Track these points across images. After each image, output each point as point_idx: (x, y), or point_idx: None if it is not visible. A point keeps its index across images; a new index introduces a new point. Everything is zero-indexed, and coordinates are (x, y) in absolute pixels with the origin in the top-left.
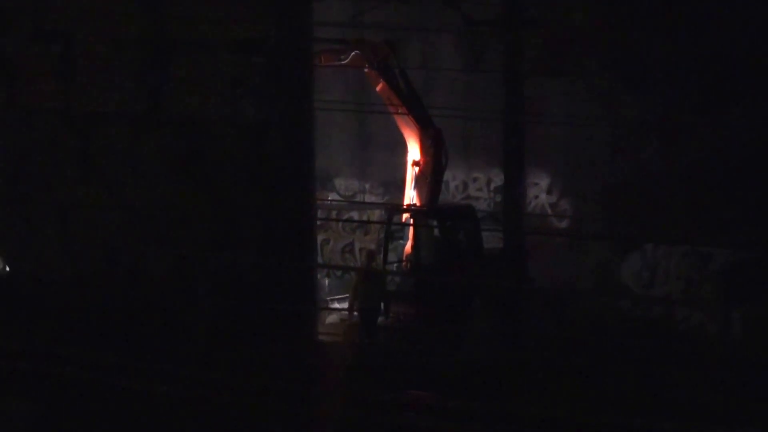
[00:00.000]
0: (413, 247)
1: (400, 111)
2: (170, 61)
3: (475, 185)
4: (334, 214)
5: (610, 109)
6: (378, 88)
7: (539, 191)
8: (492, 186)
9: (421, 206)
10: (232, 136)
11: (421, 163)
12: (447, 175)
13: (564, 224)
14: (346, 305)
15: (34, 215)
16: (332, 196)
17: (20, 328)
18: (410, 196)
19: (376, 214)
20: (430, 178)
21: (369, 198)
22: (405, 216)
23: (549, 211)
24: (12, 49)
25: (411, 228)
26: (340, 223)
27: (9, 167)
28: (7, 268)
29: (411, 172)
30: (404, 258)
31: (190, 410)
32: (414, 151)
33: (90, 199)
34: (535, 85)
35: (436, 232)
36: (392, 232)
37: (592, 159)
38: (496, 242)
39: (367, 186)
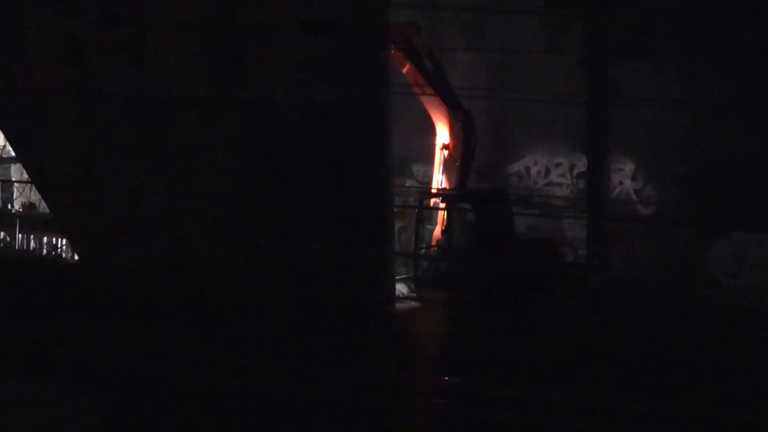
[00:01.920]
0: (443, 231)
1: (427, 92)
2: (242, 44)
3: (558, 171)
4: (411, 201)
5: (696, 92)
6: (404, 70)
7: (623, 177)
8: (575, 172)
9: (450, 190)
10: (306, 120)
11: (450, 146)
12: (528, 161)
13: (649, 211)
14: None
15: (103, 203)
16: (409, 182)
17: (90, 319)
18: (438, 180)
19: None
20: (460, 162)
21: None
22: (433, 201)
23: (634, 197)
24: (81, 34)
25: (441, 213)
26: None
27: (78, 153)
28: (77, 257)
29: (439, 155)
30: (433, 243)
31: (261, 403)
32: (443, 134)
33: (160, 186)
34: (618, 67)
35: (467, 216)
36: (422, 217)
37: (677, 143)
38: (579, 229)
39: None
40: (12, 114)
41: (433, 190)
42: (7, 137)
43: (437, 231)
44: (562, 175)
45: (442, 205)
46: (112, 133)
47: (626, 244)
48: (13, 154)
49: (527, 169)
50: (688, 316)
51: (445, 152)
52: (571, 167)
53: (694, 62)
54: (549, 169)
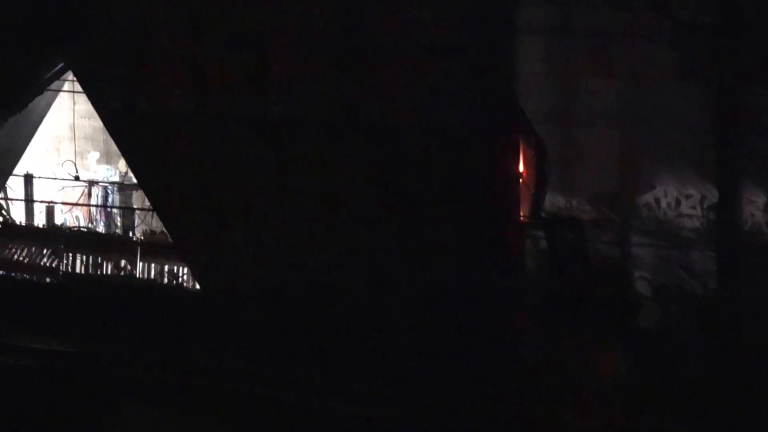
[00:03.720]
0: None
1: None
2: (367, 66)
3: (689, 203)
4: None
5: None
6: None
7: (756, 209)
8: (706, 203)
9: (525, 217)
10: (431, 144)
11: (524, 174)
12: (658, 192)
13: None
14: None
15: (224, 226)
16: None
17: (210, 344)
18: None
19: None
20: (534, 190)
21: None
22: None
23: (766, 230)
24: (204, 55)
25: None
26: None
27: (200, 175)
28: (197, 282)
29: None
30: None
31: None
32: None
33: (282, 209)
34: (752, 94)
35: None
36: None
37: None
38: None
39: (574, 202)
40: (134, 140)
41: None
42: (129, 163)
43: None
44: (693, 207)
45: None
46: (235, 157)
47: (759, 278)
48: (134, 180)
49: (657, 200)
50: None
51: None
52: (702, 199)
53: None
54: (679, 201)
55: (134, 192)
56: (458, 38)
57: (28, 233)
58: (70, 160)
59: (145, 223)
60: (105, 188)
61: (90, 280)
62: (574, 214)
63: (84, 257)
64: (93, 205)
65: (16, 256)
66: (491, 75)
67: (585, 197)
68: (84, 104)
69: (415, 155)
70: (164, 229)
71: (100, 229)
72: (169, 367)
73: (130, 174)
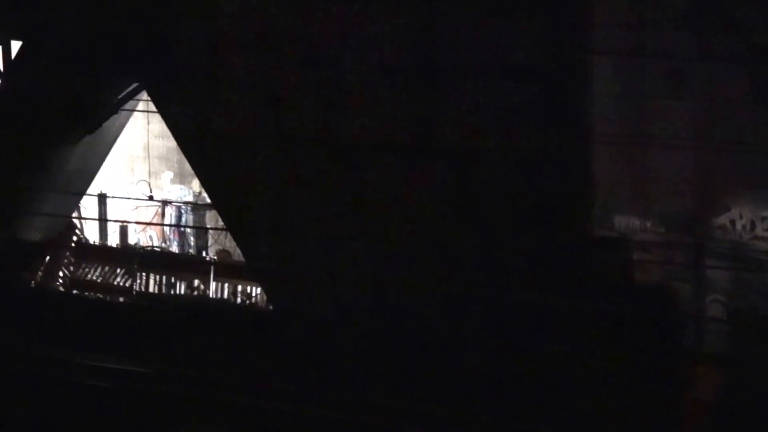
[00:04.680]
0: None
1: None
2: (442, 88)
3: (764, 225)
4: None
5: None
6: None
7: None
8: None
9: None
10: (507, 168)
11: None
12: (733, 214)
13: None
14: None
15: (298, 247)
16: (612, 234)
17: (284, 366)
18: None
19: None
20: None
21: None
22: None
23: None
24: (279, 76)
25: None
26: None
27: (274, 196)
28: (270, 303)
29: None
30: None
31: None
32: None
33: (356, 232)
34: None
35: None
36: None
37: None
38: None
39: (649, 224)
40: (208, 160)
41: None
42: (203, 183)
43: None
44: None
45: None
46: (309, 178)
47: None
48: (208, 200)
49: (732, 222)
50: None
51: None
52: None
53: None
54: (754, 223)
55: (208, 212)
56: (534, 61)
57: (101, 253)
58: (143, 180)
59: (218, 243)
60: (178, 208)
61: (163, 299)
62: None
63: (157, 277)
64: (166, 225)
65: (89, 276)
66: (566, 98)
67: (659, 219)
68: (158, 124)
69: (491, 178)
70: (238, 249)
71: (174, 249)
72: (242, 389)
73: (204, 194)
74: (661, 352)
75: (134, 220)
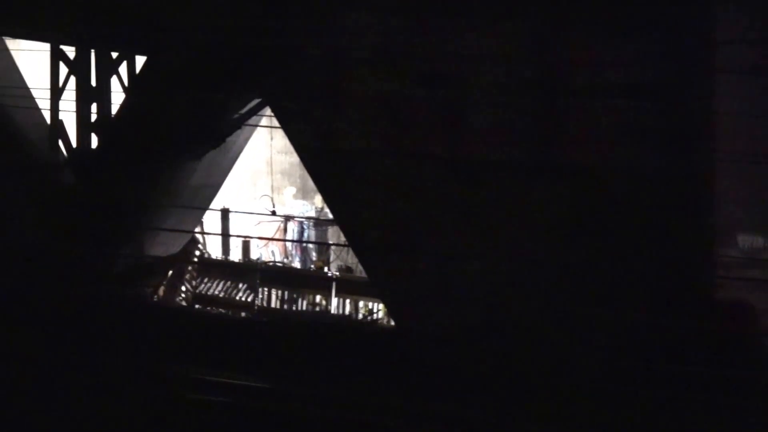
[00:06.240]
0: None
1: None
2: (563, 106)
3: None
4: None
5: None
6: None
7: None
8: None
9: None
10: (627, 187)
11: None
12: None
13: None
14: None
15: (418, 264)
16: (733, 253)
17: (404, 385)
18: None
19: None
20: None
21: None
22: None
23: None
24: (396, 93)
25: None
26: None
27: (395, 213)
28: (392, 319)
29: None
30: None
31: None
32: None
33: (474, 250)
34: None
35: None
36: None
37: None
38: None
39: None
40: (330, 176)
41: None
42: (326, 199)
43: None
44: None
45: None
46: (430, 196)
47: None
48: (330, 216)
49: None
50: None
51: None
52: None
53: None
54: None
55: (330, 228)
56: (654, 78)
57: (224, 268)
58: (266, 195)
59: (340, 259)
60: (301, 223)
61: (285, 315)
62: None
63: (279, 292)
64: (289, 240)
65: (212, 291)
66: (687, 115)
67: None
68: (281, 139)
69: (611, 198)
70: (359, 266)
71: (296, 264)
72: (362, 407)
73: (326, 209)
74: None
75: (257, 236)
